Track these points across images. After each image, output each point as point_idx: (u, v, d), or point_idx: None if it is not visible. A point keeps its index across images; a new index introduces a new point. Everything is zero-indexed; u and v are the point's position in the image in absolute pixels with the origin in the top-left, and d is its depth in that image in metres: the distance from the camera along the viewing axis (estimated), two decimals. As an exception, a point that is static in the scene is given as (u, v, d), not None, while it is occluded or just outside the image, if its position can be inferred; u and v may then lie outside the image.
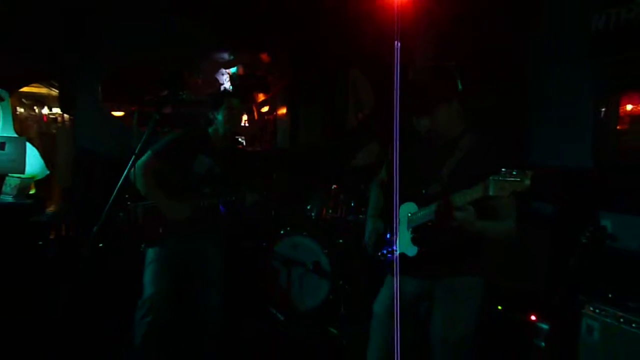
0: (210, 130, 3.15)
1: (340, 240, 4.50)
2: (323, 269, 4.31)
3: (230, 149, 3.22)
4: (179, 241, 3.13)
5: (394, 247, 2.42)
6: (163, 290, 3.08)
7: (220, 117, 3.14)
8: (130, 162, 2.69)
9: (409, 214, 2.36)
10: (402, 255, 2.37)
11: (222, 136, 3.15)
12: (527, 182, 1.88)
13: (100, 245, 2.96)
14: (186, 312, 3.32)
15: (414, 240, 2.32)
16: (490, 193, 1.93)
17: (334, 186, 4.58)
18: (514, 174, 1.90)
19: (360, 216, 4.35)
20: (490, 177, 1.93)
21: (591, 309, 2.84)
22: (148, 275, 3.11)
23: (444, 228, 2.12)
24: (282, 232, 4.57)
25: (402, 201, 2.40)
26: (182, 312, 3.33)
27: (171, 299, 3.13)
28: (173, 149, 3.09)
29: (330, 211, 4.54)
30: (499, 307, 3.46)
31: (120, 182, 2.58)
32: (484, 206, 2.15)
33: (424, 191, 2.31)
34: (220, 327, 3.31)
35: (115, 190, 2.68)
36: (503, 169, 1.92)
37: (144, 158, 3.03)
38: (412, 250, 2.33)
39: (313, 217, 4.57)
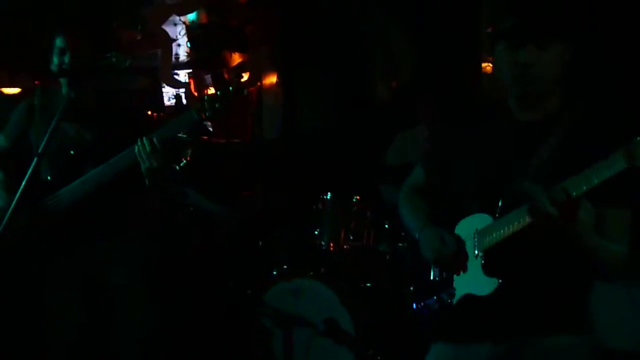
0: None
1: (369, 284, 3.69)
2: (342, 330, 3.45)
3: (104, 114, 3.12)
4: None
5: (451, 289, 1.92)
6: None
7: None
8: (33, 163, 2.57)
9: (476, 230, 1.90)
10: (467, 298, 1.89)
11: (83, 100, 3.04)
12: None
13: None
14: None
15: (488, 268, 1.84)
16: (638, 164, 1.47)
17: (356, 198, 3.86)
18: None
19: (400, 244, 3.61)
20: (636, 138, 1.45)
21: None
22: None
23: (549, 236, 1.66)
24: (275, 272, 3.82)
25: (464, 214, 1.93)
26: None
27: None
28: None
29: (351, 237, 3.79)
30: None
31: (21, 188, 2.47)
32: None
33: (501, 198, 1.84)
34: None
35: (18, 194, 2.56)
36: None
37: None
38: (485, 287, 1.83)
39: (324, 248, 3.82)
